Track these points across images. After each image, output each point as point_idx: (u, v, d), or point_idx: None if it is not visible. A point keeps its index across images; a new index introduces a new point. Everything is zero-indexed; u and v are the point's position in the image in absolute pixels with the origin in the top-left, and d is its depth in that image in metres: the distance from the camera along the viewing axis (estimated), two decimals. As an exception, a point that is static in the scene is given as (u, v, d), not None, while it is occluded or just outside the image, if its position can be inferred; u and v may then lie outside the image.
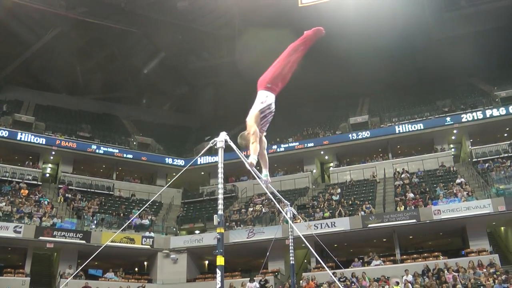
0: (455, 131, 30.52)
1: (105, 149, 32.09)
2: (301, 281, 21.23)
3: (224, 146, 5.32)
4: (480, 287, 17.56)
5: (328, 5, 31.78)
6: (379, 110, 36.61)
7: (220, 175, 5.20)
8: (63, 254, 24.14)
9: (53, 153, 30.86)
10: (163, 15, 34.96)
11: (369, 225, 22.48)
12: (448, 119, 30.34)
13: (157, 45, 38.99)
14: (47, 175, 32.58)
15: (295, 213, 11.13)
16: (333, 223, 23.17)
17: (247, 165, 5.45)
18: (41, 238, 22.66)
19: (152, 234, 25.84)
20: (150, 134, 37.05)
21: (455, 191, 23.32)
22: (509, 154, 27.10)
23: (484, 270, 18.77)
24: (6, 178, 27.64)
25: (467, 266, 19.21)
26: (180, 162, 33.69)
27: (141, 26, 35.60)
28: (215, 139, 5.37)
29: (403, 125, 30.99)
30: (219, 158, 5.26)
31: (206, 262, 28.01)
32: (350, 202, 25.70)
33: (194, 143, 37.86)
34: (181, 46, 38.94)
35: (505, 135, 29.98)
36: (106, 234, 23.88)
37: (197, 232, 27.58)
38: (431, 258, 21.43)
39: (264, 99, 5.76)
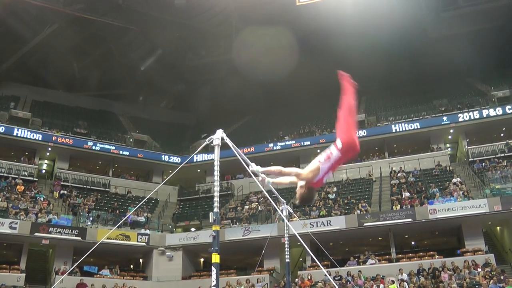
0: (451, 131, 30.55)
1: (102, 145, 32.06)
2: (296, 280, 21.26)
3: (220, 144, 5.32)
4: (476, 287, 17.62)
5: (325, 3, 31.77)
6: (375, 109, 36.62)
7: (216, 173, 5.20)
8: (58, 251, 24.11)
9: (50, 149, 30.81)
10: (161, 12, 34.89)
11: (365, 224, 22.50)
12: (444, 118, 30.37)
13: (154, 42, 38.90)
14: (43, 171, 32.51)
15: (291, 211, 11.13)
16: (328, 222, 23.18)
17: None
18: (36, 234, 22.59)
19: (147, 231, 25.83)
20: (146, 131, 36.97)
21: (451, 191, 23.37)
22: (506, 154, 27.21)
23: (480, 269, 18.83)
24: (2, 174, 27.56)
25: (463, 266, 19.28)
26: (176, 159, 33.65)
27: (138, 23, 35.51)
28: (212, 136, 5.37)
29: (400, 124, 31.00)
30: (216, 156, 5.25)
31: (202, 259, 28.00)
32: (346, 201, 25.72)
33: (191, 141, 37.78)
34: (178, 43, 38.87)
35: (502, 135, 30.07)
36: (102, 231, 23.83)
37: (192, 229, 27.53)
38: (426, 257, 21.50)
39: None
